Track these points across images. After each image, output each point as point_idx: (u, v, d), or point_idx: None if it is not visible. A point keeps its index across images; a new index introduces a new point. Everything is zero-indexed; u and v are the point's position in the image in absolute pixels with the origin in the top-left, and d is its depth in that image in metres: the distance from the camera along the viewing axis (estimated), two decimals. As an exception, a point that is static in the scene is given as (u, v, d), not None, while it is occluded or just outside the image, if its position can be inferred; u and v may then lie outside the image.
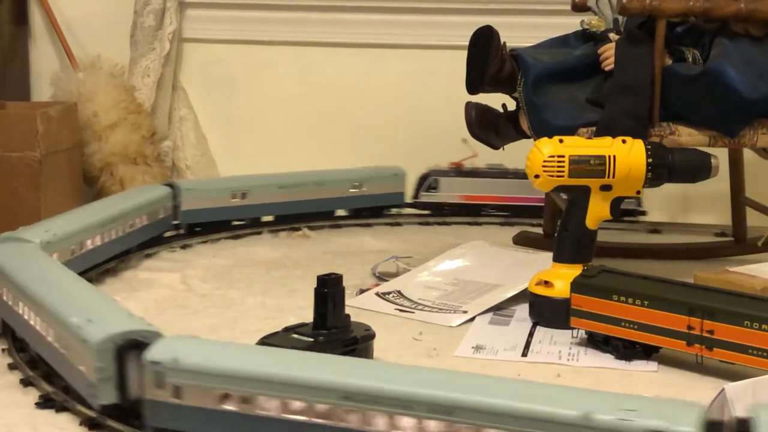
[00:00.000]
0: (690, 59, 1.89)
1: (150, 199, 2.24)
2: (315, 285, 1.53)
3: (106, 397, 1.28)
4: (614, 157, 1.70)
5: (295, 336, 1.49)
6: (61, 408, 1.38)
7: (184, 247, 2.29)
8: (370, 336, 1.54)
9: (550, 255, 1.77)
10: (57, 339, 1.40)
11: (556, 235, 1.79)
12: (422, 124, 2.75)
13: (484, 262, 2.04)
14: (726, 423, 1.10)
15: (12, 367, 1.54)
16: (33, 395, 1.44)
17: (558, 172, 1.70)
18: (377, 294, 1.92)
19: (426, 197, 2.56)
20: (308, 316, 1.54)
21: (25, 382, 1.48)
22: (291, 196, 2.45)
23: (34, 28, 2.98)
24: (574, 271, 1.65)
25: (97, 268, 2.07)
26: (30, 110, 2.57)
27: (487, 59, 1.93)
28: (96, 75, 2.77)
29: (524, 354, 1.63)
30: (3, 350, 1.60)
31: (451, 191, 2.54)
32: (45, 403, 1.40)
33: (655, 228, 2.50)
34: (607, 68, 1.91)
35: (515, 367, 1.57)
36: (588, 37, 2.01)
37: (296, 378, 1.17)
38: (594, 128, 1.86)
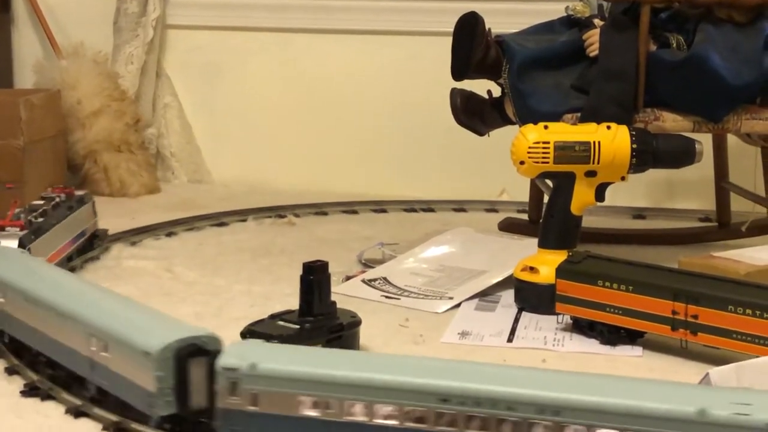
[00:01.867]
0: (674, 45, 1.90)
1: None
2: (301, 272, 1.53)
3: (166, 408, 1.19)
4: (599, 143, 1.71)
5: (281, 323, 1.49)
6: (46, 396, 1.38)
7: (169, 234, 2.29)
8: (356, 323, 1.54)
9: (535, 241, 1.78)
10: (101, 349, 1.29)
11: (541, 221, 1.79)
12: (408, 110, 2.74)
13: (470, 249, 2.04)
14: None
15: (-4, 355, 1.54)
16: (18, 383, 1.43)
17: (543, 158, 1.71)
18: (363, 281, 1.92)
19: None
20: (294, 303, 1.54)
21: (10, 371, 1.48)
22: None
23: (16, 15, 2.96)
24: (560, 256, 1.65)
25: (82, 256, 2.07)
26: (13, 98, 2.55)
27: (472, 45, 1.93)
28: (79, 62, 2.76)
29: (510, 340, 1.63)
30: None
31: None
32: (30, 391, 1.40)
33: (640, 213, 2.51)
34: (591, 54, 1.91)
35: (501, 353, 1.57)
36: (573, 23, 2.01)
37: (386, 382, 1.10)
38: (579, 114, 1.86)
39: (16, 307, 1.48)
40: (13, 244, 1.69)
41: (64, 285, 1.49)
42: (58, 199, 1.98)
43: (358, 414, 1.11)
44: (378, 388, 1.10)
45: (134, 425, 1.27)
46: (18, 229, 1.75)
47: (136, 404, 1.23)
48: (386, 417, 1.10)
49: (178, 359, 1.18)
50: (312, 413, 1.12)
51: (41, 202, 1.96)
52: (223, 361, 1.16)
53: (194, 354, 1.19)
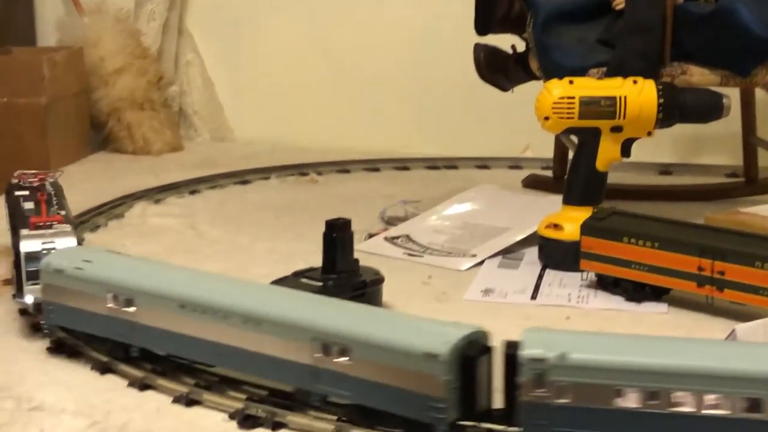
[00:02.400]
0: (702, -2, 1.87)
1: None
2: (323, 230, 1.53)
3: (455, 412, 1.10)
4: (625, 98, 1.69)
5: (305, 280, 1.50)
6: (72, 353, 1.39)
7: (192, 192, 2.29)
8: (379, 280, 1.54)
9: (559, 198, 1.76)
10: (334, 355, 1.15)
11: (565, 177, 1.78)
12: (430, 66, 2.73)
13: (493, 206, 2.03)
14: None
15: (23, 312, 1.55)
16: (44, 341, 1.44)
17: (568, 113, 1.69)
18: (386, 238, 1.91)
19: None
20: (317, 261, 1.54)
21: (36, 328, 1.48)
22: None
23: (38, -27, 2.95)
24: (584, 213, 1.64)
25: (106, 213, 2.07)
26: (36, 56, 2.56)
27: (495, 0, 1.91)
28: (101, 19, 2.75)
29: (533, 297, 1.63)
30: (14, 296, 1.60)
31: None
32: (56, 348, 1.41)
33: (666, 169, 2.49)
34: (617, 8, 1.88)
35: (524, 310, 1.57)
36: (598, -24, 1.98)
37: (716, 369, 1.01)
38: (605, 69, 1.84)
39: (162, 317, 1.27)
40: (72, 242, 1.46)
41: (221, 284, 1.30)
42: (49, 187, 1.69)
43: (685, 405, 1.03)
44: (708, 376, 1.02)
45: (159, 380, 1.28)
46: (61, 224, 1.50)
47: (406, 412, 1.12)
48: (714, 407, 1.02)
49: (467, 359, 1.09)
50: (631, 405, 1.04)
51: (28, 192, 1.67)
52: (528, 351, 1.07)
53: (481, 352, 1.11)
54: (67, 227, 1.47)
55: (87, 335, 1.37)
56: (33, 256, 1.42)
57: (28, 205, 1.58)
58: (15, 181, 1.70)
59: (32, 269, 1.41)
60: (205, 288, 1.27)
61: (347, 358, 1.14)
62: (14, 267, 1.48)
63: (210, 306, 1.23)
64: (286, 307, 1.21)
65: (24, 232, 1.46)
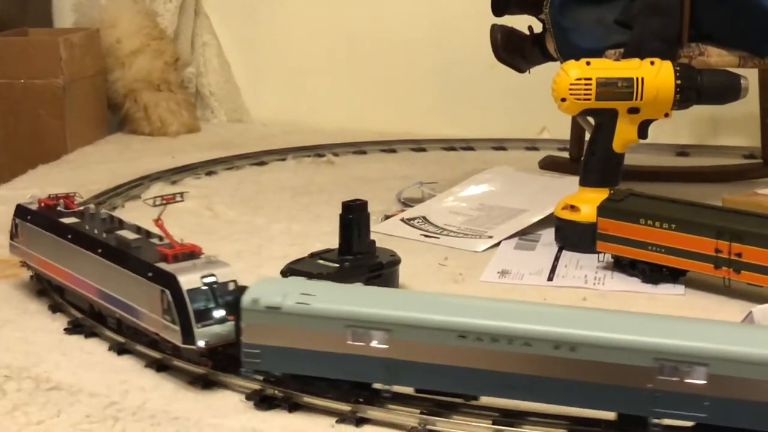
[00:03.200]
0: (720, -22, 1.85)
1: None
2: (340, 211, 1.53)
3: None
4: (642, 79, 1.68)
5: (321, 261, 1.50)
6: (89, 333, 1.40)
7: (209, 173, 2.30)
8: (395, 261, 1.54)
9: (576, 179, 1.76)
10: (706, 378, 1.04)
11: (582, 159, 1.77)
12: (447, 47, 2.72)
13: (510, 188, 2.03)
14: None
15: (41, 293, 1.56)
16: (62, 321, 1.45)
17: (585, 95, 1.68)
18: (402, 220, 1.91)
19: None
20: (334, 242, 1.54)
21: (54, 308, 1.50)
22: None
23: (55, -46, 2.95)
24: (601, 195, 1.64)
25: (123, 194, 2.08)
26: (53, 37, 2.56)
27: (512, -20, 1.90)
28: (118, 1, 2.76)
29: (550, 278, 1.62)
30: (31, 277, 1.62)
31: None
32: (74, 328, 1.42)
33: (683, 150, 2.48)
34: (635, -12, 1.87)
35: (541, 292, 1.57)
36: (616, -43, 1.97)
37: None
38: (622, 50, 1.83)
39: (431, 351, 1.12)
40: (231, 271, 1.27)
41: (503, 309, 1.15)
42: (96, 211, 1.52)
43: None
44: None
45: (176, 362, 1.29)
46: (197, 251, 1.30)
47: None
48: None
49: None
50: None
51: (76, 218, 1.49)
52: None
53: None
54: (213, 255, 1.28)
55: (299, 378, 1.19)
56: (196, 293, 1.22)
57: (127, 234, 1.39)
58: (31, 205, 1.54)
59: (200, 309, 1.22)
60: (492, 314, 1.12)
61: (700, 379, 1.03)
62: (174, 306, 1.22)
63: (507, 333, 1.09)
64: (614, 327, 1.08)
65: (174, 266, 1.25)
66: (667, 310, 1.48)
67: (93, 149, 2.56)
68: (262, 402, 1.20)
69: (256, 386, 1.22)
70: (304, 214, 1.99)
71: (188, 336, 1.22)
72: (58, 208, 1.52)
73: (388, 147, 2.53)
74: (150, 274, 1.26)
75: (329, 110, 2.83)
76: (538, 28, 2.01)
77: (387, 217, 1.93)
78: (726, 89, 1.72)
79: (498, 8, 1.97)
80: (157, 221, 1.33)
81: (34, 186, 2.17)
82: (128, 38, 2.71)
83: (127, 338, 1.35)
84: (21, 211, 1.55)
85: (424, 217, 1.92)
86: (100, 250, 1.36)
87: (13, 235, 1.57)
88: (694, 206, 1.57)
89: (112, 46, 2.71)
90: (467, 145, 2.55)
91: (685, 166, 2.34)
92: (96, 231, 1.41)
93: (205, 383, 1.25)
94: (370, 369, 1.14)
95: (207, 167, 2.32)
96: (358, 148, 2.52)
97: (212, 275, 1.24)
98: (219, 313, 1.23)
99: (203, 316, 1.22)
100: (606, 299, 1.53)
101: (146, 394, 1.23)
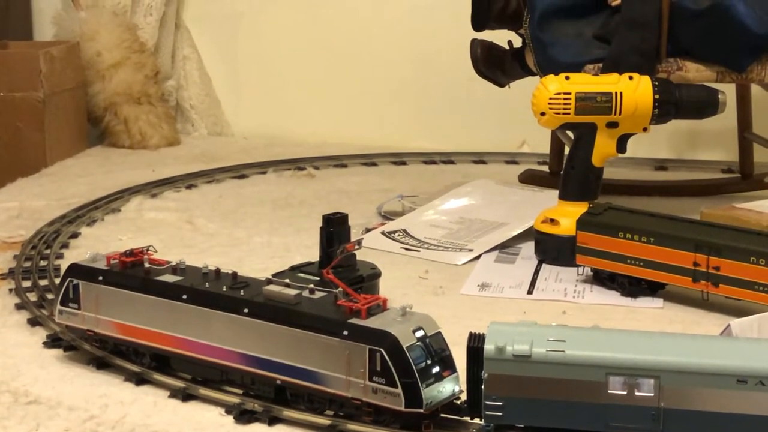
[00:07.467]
0: (698, -7, 1.87)
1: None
2: (321, 224, 1.53)
3: None
4: (621, 93, 1.69)
5: (302, 275, 1.50)
6: (68, 347, 1.39)
7: (189, 186, 2.29)
8: (376, 275, 1.54)
9: (555, 193, 1.77)
10: None
11: (562, 172, 1.78)
12: (427, 61, 2.73)
13: (490, 201, 2.03)
14: None
15: (19, 306, 1.55)
16: (41, 335, 1.44)
17: (564, 109, 1.69)
18: (383, 233, 1.92)
19: None
20: (314, 255, 1.54)
21: (33, 322, 1.49)
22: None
23: (35, -33, 2.95)
24: (580, 208, 1.65)
25: (103, 207, 2.07)
26: (33, 50, 2.56)
27: (492, -5, 1.91)
28: (98, 14, 2.75)
29: (530, 291, 1.63)
30: (10, 290, 1.61)
31: None
32: (52, 342, 1.41)
33: (662, 164, 2.49)
34: (613, 3, 1.88)
35: (521, 305, 1.57)
36: (595, -28, 1.98)
37: None
38: (601, 65, 1.84)
39: (705, 397, 1.04)
40: (433, 322, 1.17)
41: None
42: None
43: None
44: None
45: (156, 375, 1.28)
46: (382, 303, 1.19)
47: None
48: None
49: None
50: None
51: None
52: None
53: None
54: (407, 305, 1.17)
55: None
56: (413, 350, 1.12)
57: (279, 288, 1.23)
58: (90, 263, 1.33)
59: (421, 367, 1.11)
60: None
61: None
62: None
63: None
64: None
65: (375, 321, 1.14)
66: (646, 323, 1.49)
67: (73, 162, 2.56)
68: (242, 415, 1.19)
69: (236, 400, 1.22)
70: (285, 227, 1.99)
71: (414, 399, 1.10)
72: (146, 265, 1.31)
73: (369, 160, 2.54)
74: (345, 333, 1.14)
75: (310, 123, 2.83)
76: (517, 42, 2.02)
77: (368, 230, 1.93)
78: (704, 104, 1.74)
79: (478, 23, 1.97)
80: (327, 273, 1.23)
81: (14, 199, 2.16)
82: (109, 51, 2.71)
83: (106, 353, 1.34)
84: (82, 272, 1.32)
85: (404, 230, 1.93)
86: (246, 310, 1.21)
87: (68, 300, 1.33)
88: (673, 220, 1.58)
89: (92, 59, 2.70)
90: (447, 158, 2.55)
91: (664, 180, 2.35)
92: (223, 288, 1.25)
93: (184, 397, 1.24)
94: (634, 419, 1.06)
95: (187, 180, 2.32)
96: (339, 162, 2.52)
97: (421, 328, 1.14)
98: (435, 370, 1.12)
99: (424, 374, 1.11)
100: (585, 312, 1.54)
101: (126, 407, 1.23)
